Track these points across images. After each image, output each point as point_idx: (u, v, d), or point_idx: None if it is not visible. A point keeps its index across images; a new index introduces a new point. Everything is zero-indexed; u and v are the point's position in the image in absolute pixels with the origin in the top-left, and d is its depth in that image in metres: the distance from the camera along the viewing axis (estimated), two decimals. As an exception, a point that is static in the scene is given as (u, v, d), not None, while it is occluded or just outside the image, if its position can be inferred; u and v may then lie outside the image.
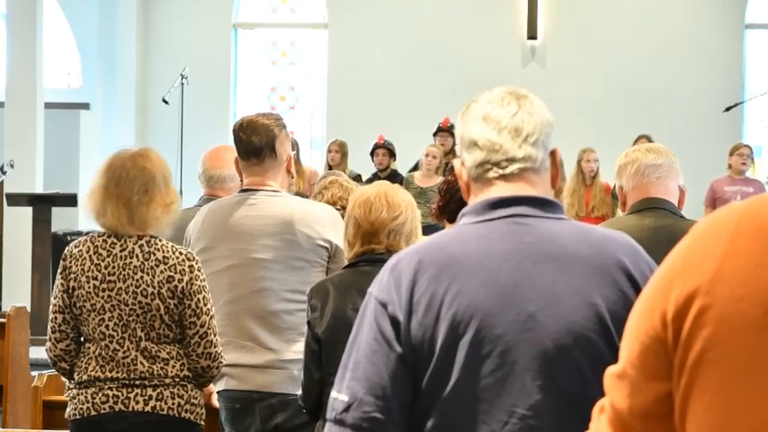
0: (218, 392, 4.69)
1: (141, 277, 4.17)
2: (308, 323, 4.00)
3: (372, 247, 3.97)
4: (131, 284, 4.18)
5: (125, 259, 4.19)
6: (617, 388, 1.63)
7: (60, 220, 11.25)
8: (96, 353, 4.20)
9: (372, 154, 12.16)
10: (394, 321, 2.39)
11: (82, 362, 4.24)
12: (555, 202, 2.52)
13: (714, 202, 11.64)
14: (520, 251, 2.43)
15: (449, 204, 4.11)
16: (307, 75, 15.04)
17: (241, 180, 4.84)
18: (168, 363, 4.19)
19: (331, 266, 4.62)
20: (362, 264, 3.97)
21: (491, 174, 2.51)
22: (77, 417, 4.24)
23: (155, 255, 4.19)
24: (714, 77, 14.02)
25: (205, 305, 4.22)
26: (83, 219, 11.58)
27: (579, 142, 11.94)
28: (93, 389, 4.20)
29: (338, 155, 11.96)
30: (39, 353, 6.57)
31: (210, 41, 14.68)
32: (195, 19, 14.69)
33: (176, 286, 4.18)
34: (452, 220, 4.00)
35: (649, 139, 11.42)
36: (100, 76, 14.72)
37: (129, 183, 4.21)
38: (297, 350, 4.50)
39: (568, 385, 2.37)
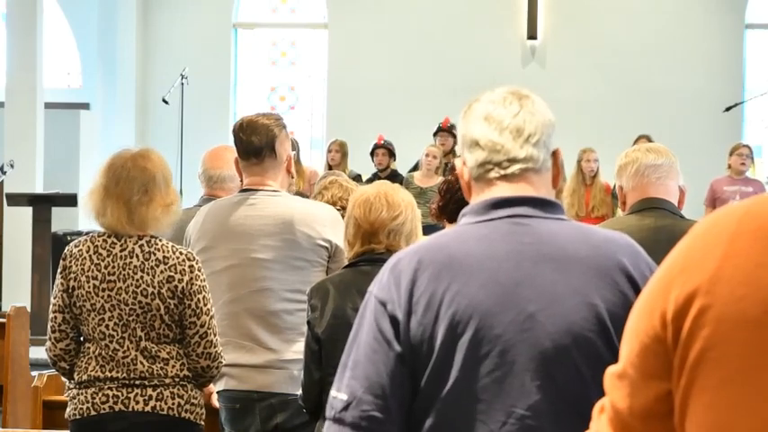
0: (217, 392, 4.69)
1: (141, 277, 4.17)
2: (308, 323, 4.00)
3: (372, 247, 3.97)
4: (131, 284, 4.18)
5: (125, 259, 4.19)
6: (617, 387, 1.63)
7: (60, 220, 11.25)
8: (96, 353, 4.20)
9: (372, 154, 12.16)
10: (393, 320, 2.40)
11: (82, 362, 4.24)
12: (555, 203, 2.52)
13: (714, 201, 11.65)
14: (520, 251, 2.43)
15: (449, 204, 4.11)
16: (307, 75, 15.04)
17: (241, 180, 4.84)
18: (168, 363, 4.19)
19: (331, 266, 4.62)
20: (362, 264, 3.97)
21: (492, 174, 2.51)
22: (77, 417, 4.24)
23: (155, 255, 4.19)
24: (714, 77, 14.03)
25: (205, 305, 4.22)
26: (83, 219, 11.59)
27: (579, 142, 11.94)
28: (93, 389, 4.20)
29: (338, 155, 11.96)
30: (39, 353, 6.57)
31: (210, 41, 14.68)
32: (195, 19, 14.69)
33: (176, 286, 4.18)
34: (452, 220, 4.00)
35: (649, 139, 11.42)
36: (100, 76, 14.72)
37: (130, 183, 4.21)
38: (297, 350, 4.50)
39: (567, 385, 2.37)
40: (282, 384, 4.57)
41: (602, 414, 1.67)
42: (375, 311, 2.42)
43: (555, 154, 2.57)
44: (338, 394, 2.41)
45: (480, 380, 2.37)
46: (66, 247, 4.32)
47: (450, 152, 12.03)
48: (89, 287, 4.20)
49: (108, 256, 4.21)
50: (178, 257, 4.20)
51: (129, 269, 4.19)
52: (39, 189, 12.01)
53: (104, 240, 4.24)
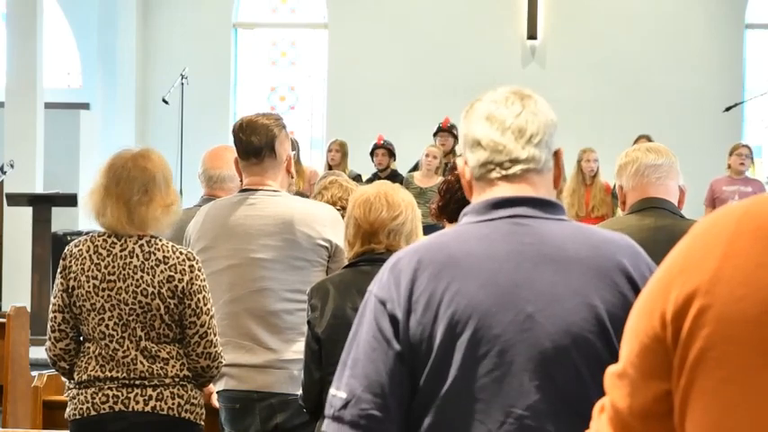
0: (217, 392, 4.69)
1: (141, 277, 4.17)
2: (308, 323, 4.00)
3: (372, 247, 3.98)
4: (131, 284, 4.18)
5: (125, 259, 4.20)
6: (617, 387, 1.63)
7: (60, 220, 11.25)
8: (96, 352, 4.20)
9: (372, 154, 12.16)
10: (393, 319, 2.40)
11: (82, 361, 4.24)
12: (556, 204, 2.52)
13: (713, 201, 11.66)
14: (520, 252, 2.43)
15: (449, 204, 4.11)
16: (307, 75, 15.04)
17: (241, 180, 4.84)
18: (168, 362, 4.19)
19: (331, 266, 4.62)
20: (362, 263, 3.97)
21: (494, 174, 2.51)
22: (77, 417, 4.24)
23: (155, 254, 4.19)
24: (714, 77, 14.03)
25: (205, 305, 4.22)
26: (83, 219, 11.59)
27: (579, 142, 11.94)
28: (93, 389, 4.20)
29: (338, 155, 11.96)
30: (39, 353, 6.57)
31: (210, 41, 14.68)
32: (195, 19, 14.69)
33: (176, 286, 4.18)
34: (452, 220, 4.00)
35: (649, 139, 11.42)
36: (100, 76, 14.72)
37: (130, 183, 4.21)
38: (297, 350, 4.50)
39: (566, 386, 2.37)
40: (282, 384, 4.57)
41: (602, 413, 1.67)
42: (375, 310, 2.42)
43: (557, 154, 2.57)
44: (337, 392, 2.42)
45: (479, 379, 2.37)
46: (67, 247, 4.32)
47: (451, 152, 12.03)
48: (89, 287, 4.20)
49: (108, 255, 4.21)
50: (178, 257, 4.20)
51: (129, 269, 4.19)
52: (39, 189, 12.01)
53: (104, 240, 4.24)
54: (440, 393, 2.38)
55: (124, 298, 4.18)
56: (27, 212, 10.72)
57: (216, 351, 4.24)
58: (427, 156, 11.69)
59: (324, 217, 4.67)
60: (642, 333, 1.57)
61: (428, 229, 4.51)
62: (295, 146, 9.83)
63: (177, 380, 4.20)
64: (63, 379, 4.55)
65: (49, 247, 10.50)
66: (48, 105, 12.65)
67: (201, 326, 4.20)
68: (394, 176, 11.37)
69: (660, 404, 1.56)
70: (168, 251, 4.21)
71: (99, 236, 4.27)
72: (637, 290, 2.36)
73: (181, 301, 4.18)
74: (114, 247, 4.22)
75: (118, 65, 14.70)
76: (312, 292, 4.04)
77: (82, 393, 4.22)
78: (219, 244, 4.68)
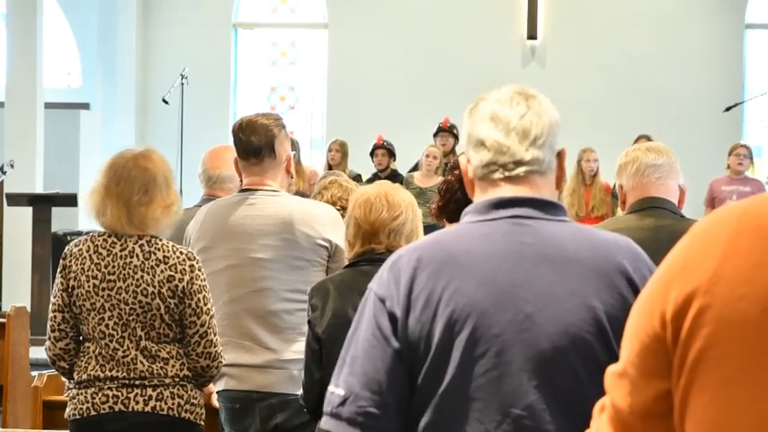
0: (217, 392, 4.69)
1: (141, 276, 4.17)
2: (309, 322, 4.01)
3: (373, 247, 3.98)
4: (131, 284, 4.18)
5: (125, 259, 4.20)
6: (617, 386, 1.63)
7: (60, 220, 11.25)
8: (96, 352, 4.20)
9: (372, 154, 12.16)
10: (392, 317, 2.40)
11: (81, 361, 4.24)
12: (558, 205, 2.52)
13: (712, 201, 11.67)
14: (519, 252, 2.43)
15: (448, 204, 4.11)
16: (307, 75, 15.04)
17: (240, 180, 4.84)
18: (168, 362, 4.19)
19: (331, 266, 4.62)
20: (363, 263, 3.97)
21: (496, 175, 2.50)
22: (77, 417, 4.23)
23: (155, 254, 4.20)
24: (714, 77, 14.03)
25: (205, 305, 4.22)
26: (83, 219, 11.60)
27: (579, 142, 11.94)
28: (93, 389, 4.20)
29: (338, 154, 11.96)
30: (39, 353, 6.56)
31: (210, 41, 14.68)
32: (195, 19, 14.69)
33: (177, 286, 4.18)
34: (452, 220, 4.00)
35: (649, 139, 11.41)
36: (100, 76, 14.72)
37: (130, 183, 4.21)
38: (296, 350, 4.50)
39: (564, 386, 2.37)
40: (282, 384, 4.57)
41: (602, 413, 1.67)
42: (374, 308, 2.43)
43: (560, 155, 2.56)
44: (336, 389, 2.43)
45: (477, 379, 2.37)
46: (67, 247, 4.32)
47: (451, 152, 12.03)
48: (89, 286, 4.20)
49: (108, 255, 4.21)
50: (178, 257, 4.20)
51: (130, 269, 4.19)
52: (39, 189, 12.01)
53: (104, 240, 4.24)
54: (437, 392, 2.38)
55: (124, 298, 4.18)
56: (27, 212, 10.72)
57: (216, 351, 4.24)
58: (427, 156, 11.69)
59: (323, 217, 4.67)
60: (642, 332, 1.57)
61: (428, 229, 4.50)
62: (295, 146, 9.83)
63: (177, 380, 4.20)
64: (63, 379, 4.54)
65: (49, 247, 10.50)
66: (48, 105, 12.65)
67: (202, 325, 4.20)
68: (394, 176, 11.37)
69: (660, 403, 1.56)
70: (168, 251, 4.21)
71: (99, 236, 4.27)
72: (637, 292, 2.36)
73: (181, 301, 4.18)
74: (114, 247, 4.22)
75: (118, 65, 14.70)
76: (312, 292, 4.04)
77: (82, 393, 4.22)
78: (219, 244, 4.68)
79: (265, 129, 4.67)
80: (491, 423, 2.37)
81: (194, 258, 4.24)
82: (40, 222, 10.58)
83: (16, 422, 6.45)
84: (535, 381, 2.36)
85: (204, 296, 4.22)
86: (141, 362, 4.17)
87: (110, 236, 4.24)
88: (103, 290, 4.19)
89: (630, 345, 1.60)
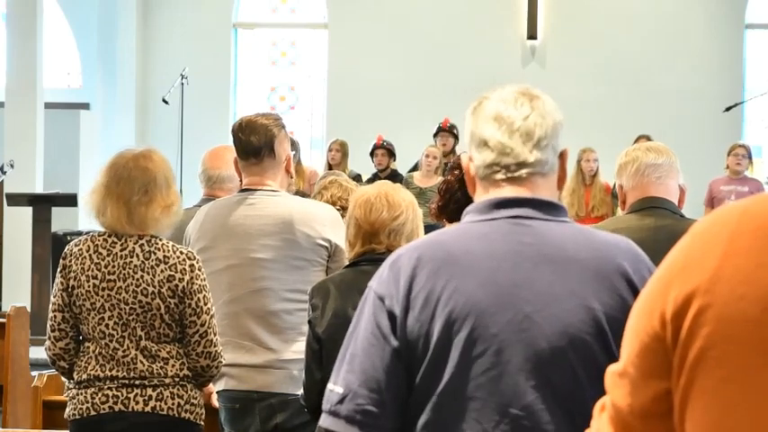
0: (217, 392, 4.69)
1: (141, 276, 4.17)
2: (309, 322, 4.01)
3: (373, 247, 3.98)
4: (131, 283, 4.18)
5: (125, 258, 4.20)
6: (618, 386, 1.63)
7: (60, 220, 11.25)
8: (96, 352, 4.20)
9: (372, 154, 12.16)
10: (391, 315, 2.40)
11: (81, 361, 4.24)
12: (559, 205, 2.52)
13: (712, 201, 11.68)
14: (519, 252, 2.43)
15: (448, 204, 4.11)
16: (307, 75, 15.04)
17: (240, 180, 4.84)
18: (168, 362, 4.19)
19: (331, 266, 4.62)
20: (363, 263, 3.97)
21: (499, 176, 2.50)
22: (77, 417, 4.23)
23: (155, 254, 4.20)
24: (714, 77, 14.03)
25: (205, 304, 4.22)
26: (83, 219, 11.60)
27: (579, 142, 11.94)
28: (93, 389, 4.20)
29: (339, 154, 11.96)
30: (39, 353, 6.56)
31: (210, 41, 14.68)
32: (195, 19, 14.69)
33: (177, 285, 4.18)
34: (452, 219, 4.00)
35: (649, 139, 11.42)
36: (100, 76, 14.72)
37: (130, 183, 4.21)
38: (296, 350, 4.51)
39: (562, 387, 2.37)
40: (282, 384, 4.57)
41: (602, 412, 1.67)
42: (373, 306, 2.43)
43: (562, 155, 2.56)
44: (334, 387, 2.43)
45: (475, 378, 2.37)
46: (67, 247, 4.33)
47: (451, 152, 12.04)
48: (89, 286, 4.20)
49: (108, 255, 4.21)
50: (178, 257, 4.20)
51: (130, 268, 4.19)
52: (39, 189, 12.01)
53: (104, 240, 4.24)
54: (436, 391, 2.39)
55: (124, 297, 4.18)
56: (27, 212, 10.72)
57: (216, 350, 4.25)
58: (427, 156, 11.69)
59: (323, 216, 4.67)
60: (642, 332, 1.57)
61: (428, 229, 4.51)
62: (295, 146, 9.83)
63: (177, 380, 4.20)
64: (63, 379, 4.54)
65: (49, 247, 10.50)
66: (48, 105, 12.65)
67: (202, 325, 4.21)
68: (394, 176, 11.37)
69: (660, 403, 1.56)
70: (168, 251, 4.21)
71: (99, 235, 4.27)
72: (636, 293, 2.35)
73: (181, 301, 4.18)
74: (114, 247, 4.22)
75: (118, 65, 14.70)
76: (313, 292, 4.04)
77: (82, 393, 4.22)
78: (219, 244, 4.68)
79: (265, 129, 4.67)
80: (489, 423, 2.37)
81: (194, 258, 4.24)
82: (40, 222, 10.58)
83: (16, 422, 6.45)
84: (533, 381, 2.36)
85: (204, 296, 4.22)
86: (141, 362, 4.17)
87: (110, 236, 4.24)
88: (103, 289, 4.19)
89: (630, 344, 1.60)
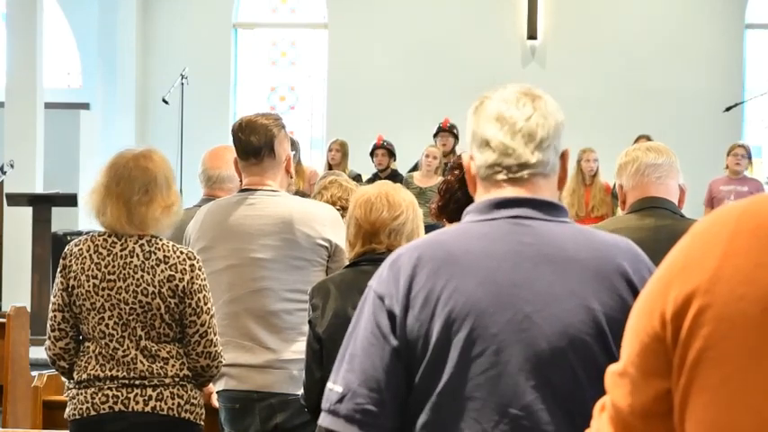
0: (217, 392, 4.69)
1: (142, 276, 4.18)
2: (310, 322, 4.01)
3: (373, 247, 3.98)
4: (131, 283, 4.18)
5: (125, 258, 4.20)
6: (618, 386, 1.63)
7: (60, 220, 11.25)
8: (96, 351, 4.20)
9: (372, 154, 12.16)
10: (390, 315, 2.41)
11: (81, 360, 4.24)
12: (559, 206, 2.51)
13: (711, 201, 11.69)
14: (519, 252, 2.43)
15: (448, 204, 4.11)
16: (307, 75, 15.04)
17: (240, 180, 4.84)
18: (168, 362, 4.19)
19: (331, 266, 4.62)
20: (364, 263, 3.97)
21: (500, 176, 2.50)
22: (77, 417, 4.23)
23: (155, 254, 4.20)
24: (714, 77, 14.03)
25: (206, 304, 4.22)
26: (83, 219, 11.60)
27: (579, 142, 11.94)
28: (93, 389, 4.20)
29: (339, 154, 11.96)
30: (39, 353, 6.57)
31: (210, 41, 14.68)
32: (195, 19, 14.69)
33: (177, 285, 4.18)
34: (452, 219, 4.00)
35: (649, 139, 11.42)
36: (100, 76, 14.72)
37: (130, 183, 4.21)
38: (296, 350, 4.51)
39: (562, 387, 2.37)
40: (282, 384, 4.57)
41: (602, 412, 1.67)
42: (373, 305, 2.43)
43: (563, 156, 2.56)
44: (334, 386, 2.43)
45: (474, 378, 2.37)
46: (67, 246, 4.33)
47: (451, 152, 12.04)
48: (89, 286, 4.20)
49: (108, 255, 4.21)
50: (179, 257, 4.20)
51: (130, 268, 4.19)
52: (39, 189, 12.02)
53: (105, 240, 4.24)
54: (435, 391, 2.39)
55: (124, 297, 4.18)
56: (27, 212, 10.72)
57: (216, 350, 4.25)
58: (427, 156, 11.69)
59: (323, 216, 4.67)
60: (642, 332, 1.57)
61: (428, 229, 4.51)
62: (295, 146, 9.84)
63: (177, 379, 4.20)
64: (63, 379, 4.54)
65: (49, 247, 10.50)
66: (48, 105, 12.65)
67: (202, 325, 4.21)
68: (394, 176, 11.37)
69: (660, 403, 1.56)
70: (169, 250, 4.21)
71: (99, 235, 4.27)
72: (636, 293, 2.35)
73: (181, 301, 4.18)
74: (114, 247, 4.22)
75: (118, 65, 14.70)
76: (313, 292, 4.04)
77: (81, 393, 4.22)
78: (219, 244, 4.68)
79: (265, 129, 4.67)
80: (488, 423, 2.36)
81: (194, 258, 4.24)
82: (40, 222, 10.58)
83: (16, 422, 6.45)
84: (533, 381, 2.36)
85: (204, 296, 4.22)
86: (141, 361, 4.17)
87: (110, 235, 4.24)
88: (103, 289, 4.19)
89: (631, 344, 1.60)
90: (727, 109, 12.88)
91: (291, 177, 5.00)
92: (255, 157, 4.68)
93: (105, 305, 4.18)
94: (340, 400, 2.41)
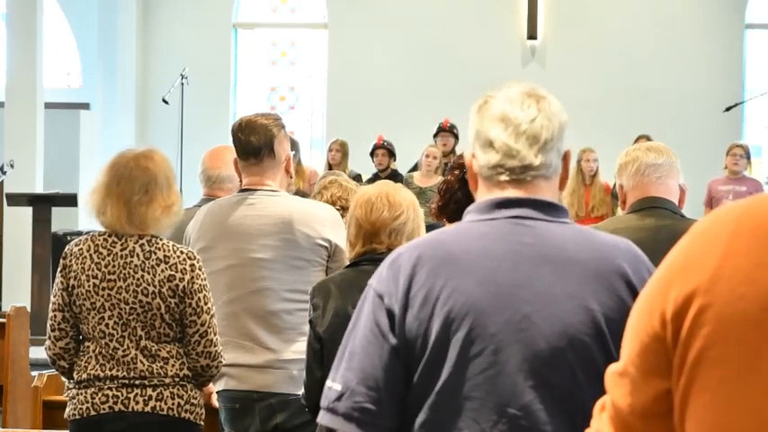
0: (217, 392, 4.69)
1: (142, 276, 4.18)
2: (310, 322, 4.01)
3: (374, 247, 3.98)
4: (132, 283, 4.18)
5: (125, 258, 4.20)
6: (618, 386, 1.63)
7: (60, 220, 11.25)
8: (96, 351, 4.20)
9: (372, 154, 12.16)
10: (390, 314, 2.41)
11: (81, 360, 4.24)
12: (560, 206, 2.51)
13: (711, 201, 11.69)
14: (519, 252, 2.43)
15: (448, 204, 4.11)
16: (307, 75, 15.04)
17: (240, 180, 4.84)
18: (168, 362, 4.19)
19: (330, 266, 4.62)
20: (364, 263, 3.97)
21: (503, 177, 2.50)
22: (77, 417, 4.23)
23: (155, 254, 4.20)
24: (714, 77, 14.03)
25: (206, 304, 4.22)
26: (83, 219, 11.60)
27: (579, 142, 11.93)
28: (93, 389, 4.20)
29: (339, 154, 11.96)
30: (39, 353, 6.57)
31: (210, 41, 14.68)
32: (195, 19, 14.69)
33: (177, 285, 4.18)
34: (452, 219, 4.00)
35: (649, 139, 11.41)
36: (100, 76, 14.72)
37: (131, 182, 4.21)
38: (296, 350, 4.51)
39: (561, 387, 2.37)
40: (282, 384, 4.57)
41: (602, 412, 1.67)
42: (373, 304, 2.43)
43: (565, 157, 2.56)
44: (333, 384, 2.44)
45: (473, 378, 2.37)
46: (67, 246, 4.33)
47: (451, 152, 12.03)
48: (89, 286, 4.20)
49: (108, 255, 4.21)
50: (179, 256, 4.20)
51: (130, 268, 4.19)
52: (39, 189, 12.01)
53: (105, 239, 4.24)
54: (434, 390, 2.39)
55: (124, 297, 4.18)
56: (27, 212, 10.72)
57: (216, 350, 4.25)
58: (427, 156, 11.69)
59: (323, 216, 4.67)
60: (642, 332, 1.57)
61: (428, 229, 4.51)
62: (295, 146, 9.83)
63: (177, 379, 4.20)
64: (63, 378, 4.54)
65: (49, 247, 10.50)
66: (48, 105, 12.65)
67: (202, 325, 4.21)
68: (394, 176, 11.37)
69: (660, 403, 1.56)
70: (169, 250, 4.21)
71: (99, 235, 4.27)
72: (635, 294, 2.34)
73: (182, 300, 4.18)
74: (115, 247, 4.22)
75: (118, 65, 14.70)
76: (314, 292, 4.04)
77: (81, 393, 4.22)
78: (219, 244, 4.68)
79: (264, 129, 4.67)
80: (487, 422, 2.36)
81: (195, 258, 4.24)
82: (40, 222, 10.58)
83: (16, 422, 6.45)
84: (532, 381, 2.36)
85: (205, 295, 4.22)
86: (141, 361, 4.17)
87: (110, 235, 4.24)
88: (103, 289, 4.19)
89: (631, 344, 1.60)
90: (727, 109, 12.88)
91: (291, 177, 5.00)
92: (255, 157, 4.68)
93: (105, 305, 4.19)
94: (339, 399, 2.41)
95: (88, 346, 4.23)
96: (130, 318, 4.17)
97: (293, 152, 5.04)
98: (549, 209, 2.49)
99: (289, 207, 4.66)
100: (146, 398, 4.17)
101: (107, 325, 4.19)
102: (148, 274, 4.18)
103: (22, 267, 11.04)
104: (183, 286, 4.18)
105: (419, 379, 2.40)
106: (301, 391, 4.13)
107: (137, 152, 4.31)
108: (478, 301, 2.38)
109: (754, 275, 1.47)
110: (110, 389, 4.18)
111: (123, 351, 4.18)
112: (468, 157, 2.57)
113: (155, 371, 4.18)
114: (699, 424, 1.50)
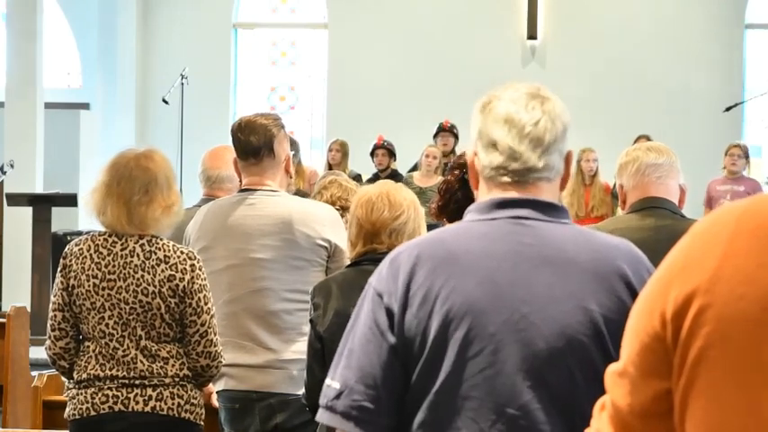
0: (217, 392, 4.69)
1: (142, 276, 4.18)
2: (311, 321, 4.01)
3: (375, 247, 3.98)
4: (132, 283, 4.18)
5: (126, 258, 4.20)
6: (618, 386, 1.63)
7: (60, 220, 11.25)
8: (96, 351, 4.21)
9: (372, 154, 12.16)
10: (389, 312, 2.41)
11: (81, 360, 4.24)
12: (560, 207, 2.51)
13: (710, 201, 11.69)
14: (519, 252, 2.43)
15: (448, 204, 4.11)
16: (307, 75, 15.04)
17: (240, 180, 4.84)
18: (168, 362, 4.19)
19: (330, 266, 4.62)
20: (365, 263, 3.97)
21: (505, 179, 2.50)
22: (77, 417, 4.23)
23: (156, 254, 4.20)
24: (714, 77, 14.03)
25: (206, 304, 4.22)
26: (83, 219, 11.61)
27: (579, 142, 11.93)
28: (93, 389, 4.20)
29: (339, 154, 11.96)
30: (39, 353, 6.57)
31: (210, 41, 14.68)
32: (195, 19, 14.69)
33: (177, 285, 4.18)
34: (452, 219, 4.00)
35: (649, 139, 11.41)
36: (100, 76, 14.72)
37: (131, 182, 4.21)
38: (296, 350, 4.51)
39: (559, 387, 2.37)
40: (282, 384, 4.57)
41: (602, 412, 1.68)
42: (372, 302, 2.44)
43: (567, 158, 2.56)
44: (332, 382, 2.44)
45: (471, 377, 2.37)
46: (67, 246, 4.33)
47: (451, 152, 12.04)
48: (89, 286, 4.20)
49: (108, 254, 4.21)
50: (179, 256, 4.20)
51: (130, 268, 4.19)
52: (39, 189, 12.02)
53: (105, 239, 4.24)
54: (432, 389, 2.39)
55: (124, 297, 4.18)
56: (27, 212, 10.72)
57: (216, 350, 4.25)
58: (427, 156, 11.69)
59: (323, 217, 4.67)
60: (642, 332, 1.57)
61: (429, 229, 4.51)
62: (295, 146, 9.83)
63: (177, 379, 4.20)
64: (63, 378, 4.54)
65: (49, 247, 10.50)
66: (48, 105, 12.65)
67: (202, 325, 4.21)
68: (394, 176, 11.36)
69: (660, 403, 1.56)
70: (169, 250, 4.21)
71: (100, 235, 4.27)
72: (635, 295, 2.33)
73: (182, 300, 4.19)
74: (115, 247, 4.22)
75: (118, 65, 14.70)
76: (315, 291, 4.04)
77: (81, 393, 4.22)
78: (219, 244, 4.69)
79: (264, 129, 4.68)
80: (485, 422, 2.36)
81: (195, 258, 4.24)
82: (40, 222, 10.58)
83: (16, 422, 6.45)
84: (530, 381, 2.36)
85: (205, 295, 4.22)
86: (141, 361, 4.17)
87: (110, 235, 4.24)
88: (104, 289, 4.19)
89: (631, 344, 1.60)
90: (727, 109, 12.88)
91: (291, 177, 5.00)
92: (255, 157, 4.68)
93: (105, 305, 4.19)
94: (337, 397, 2.41)
95: (88, 346, 4.23)
96: (130, 318, 4.17)
97: (293, 152, 5.04)
98: (550, 209, 2.49)
99: (288, 207, 4.66)
100: (146, 398, 4.17)
101: (107, 325, 4.19)
102: (148, 273, 4.18)
103: (22, 267, 11.04)
104: (184, 286, 4.18)
105: (417, 378, 2.40)
106: (302, 391, 4.13)
107: (137, 152, 4.31)
108: (478, 301, 2.38)
109: (755, 275, 1.47)
110: (110, 389, 4.18)
111: (123, 351, 4.18)
112: (470, 155, 2.57)
113: (155, 371, 4.18)
114: (699, 424, 1.50)
